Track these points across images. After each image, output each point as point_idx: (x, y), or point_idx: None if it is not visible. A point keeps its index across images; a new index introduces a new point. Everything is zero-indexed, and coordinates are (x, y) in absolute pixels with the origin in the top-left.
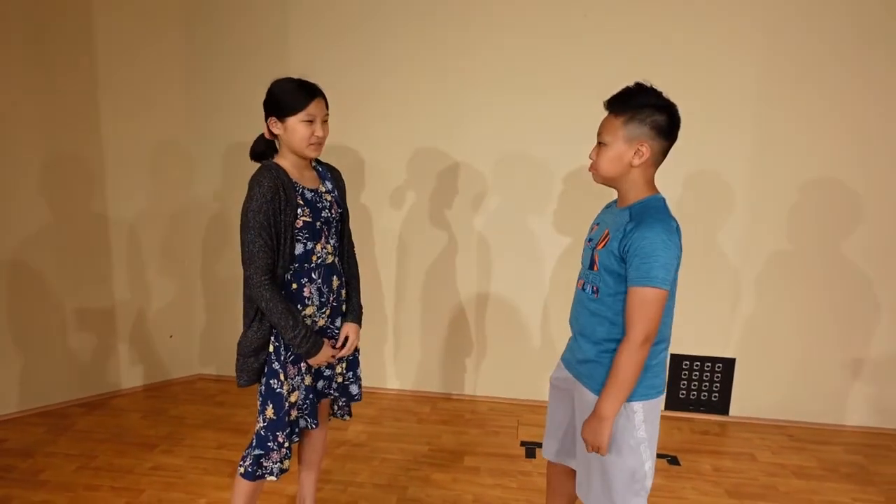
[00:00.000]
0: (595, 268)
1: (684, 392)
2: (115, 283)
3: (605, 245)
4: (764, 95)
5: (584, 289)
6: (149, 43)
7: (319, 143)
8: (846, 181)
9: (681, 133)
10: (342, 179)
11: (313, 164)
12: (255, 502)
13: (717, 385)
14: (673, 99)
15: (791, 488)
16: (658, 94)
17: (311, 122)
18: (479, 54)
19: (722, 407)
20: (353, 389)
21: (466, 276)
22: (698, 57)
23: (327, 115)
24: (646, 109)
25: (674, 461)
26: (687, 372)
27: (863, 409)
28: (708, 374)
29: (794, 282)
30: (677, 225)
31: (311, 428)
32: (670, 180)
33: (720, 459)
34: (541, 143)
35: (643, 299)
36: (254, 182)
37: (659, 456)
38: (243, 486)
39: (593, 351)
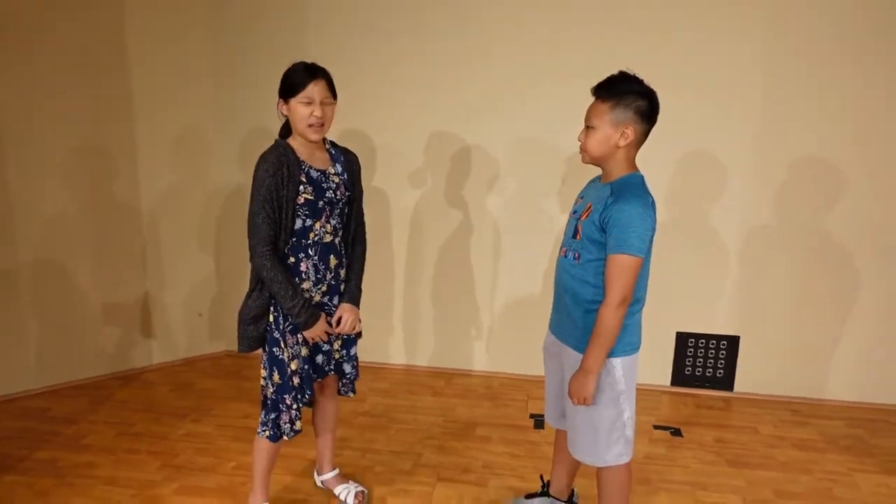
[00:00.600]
0: (578, 237)
1: (689, 369)
2: (147, 264)
3: (588, 216)
4: (766, 77)
5: (566, 256)
6: (176, 39)
7: (319, 124)
8: (842, 161)
9: (680, 115)
10: (357, 163)
11: (327, 146)
12: (274, 463)
13: (722, 362)
14: (674, 86)
15: (790, 459)
16: (640, 82)
17: (309, 103)
18: (494, 38)
19: (727, 383)
20: (347, 368)
21: (479, 257)
22: (698, 46)
23: (329, 97)
24: (630, 96)
25: (677, 433)
26: (692, 349)
27: (865, 385)
28: (713, 351)
29: (794, 261)
30: (653, 200)
31: (305, 399)
32: (669, 162)
33: (723, 432)
34: (552, 126)
35: (621, 265)
36: (261, 158)
37: (662, 428)
38: (265, 446)
39: (577, 311)
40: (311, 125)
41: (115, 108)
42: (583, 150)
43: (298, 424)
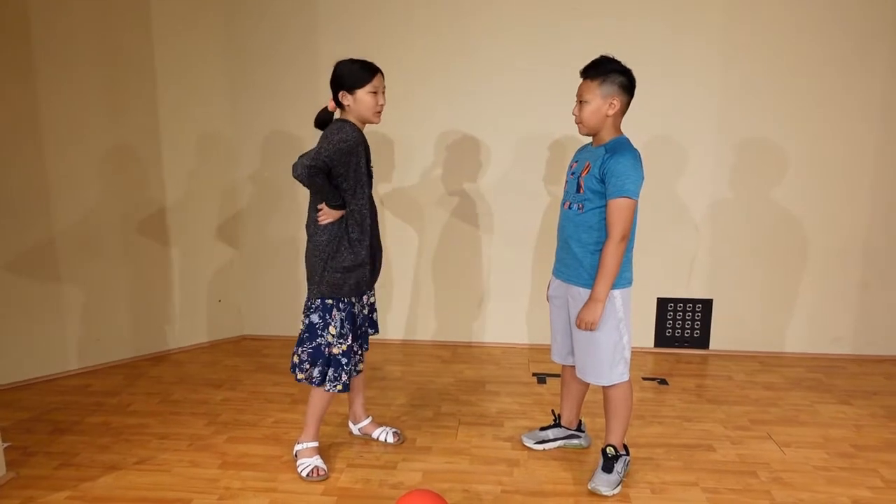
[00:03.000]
0: (581, 191)
1: (670, 331)
2: (171, 255)
3: (588, 173)
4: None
5: (570, 208)
6: (197, 47)
7: (381, 111)
8: (787, 141)
9: (650, 101)
10: None
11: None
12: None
13: (698, 323)
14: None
15: (761, 396)
16: (619, 62)
17: (375, 92)
18: (486, 32)
19: (703, 342)
20: (374, 317)
21: (473, 237)
22: (663, 40)
23: (385, 87)
24: (613, 73)
25: (663, 382)
26: (672, 313)
27: (821, 338)
28: (690, 314)
29: (752, 230)
30: (640, 154)
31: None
32: (641, 143)
33: (702, 380)
34: (538, 113)
35: (620, 207)
36: (339, 128)
37: (649, 379)
38: (328, 398)
39: (581, 252)
40: (377, 112)
41: (141, 109)
42: (579, 122)
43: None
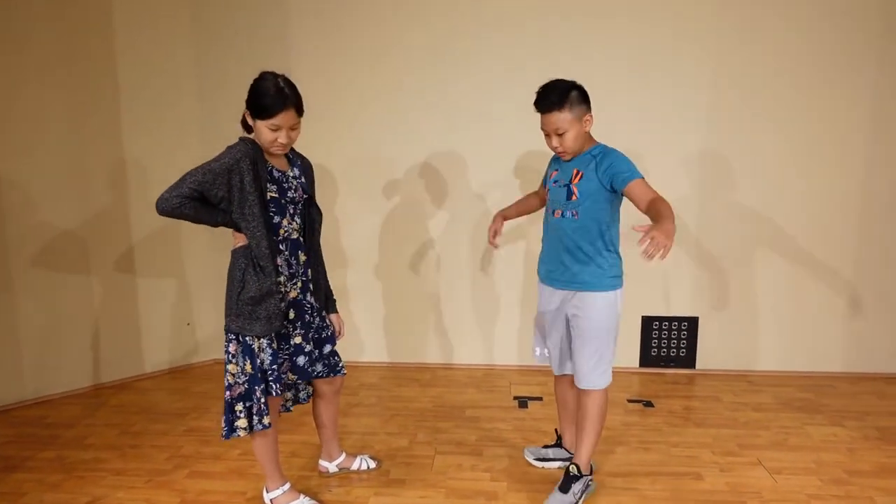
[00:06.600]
0: (574, 197)
1: (655, 350)
2: (137, 276)
3: (581, 178)
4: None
5: (563, 216)
6: (163, 63)
7: (283, 147)
8: (777, 159)
9: (637, 115)
10: (312, 170)
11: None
12: (276, 448)
13: (684, 342)
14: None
15: (750, 419)
16: (565, 80)
17: (276, 129)
18: (468, 52)
19: (689, 361)
20: (318, 367)
21: (457, 259)
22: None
23: (297, 122)
24: (571, 93)
25: (648, 404)
26: (657, 332)
27: (810, 356)
28: (675, 332)
29: (743, 244)
30: None
31: (275, 393)
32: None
33: (689, 402)
34: (511, 137)
35: (639, 186)
36: (230, 147)
37: (635, 401)
38: (257, 442)
39: (583, 257)
40: (274, 148)
41: (105, 126)
42: (562, 152)
43: (266, 420)
